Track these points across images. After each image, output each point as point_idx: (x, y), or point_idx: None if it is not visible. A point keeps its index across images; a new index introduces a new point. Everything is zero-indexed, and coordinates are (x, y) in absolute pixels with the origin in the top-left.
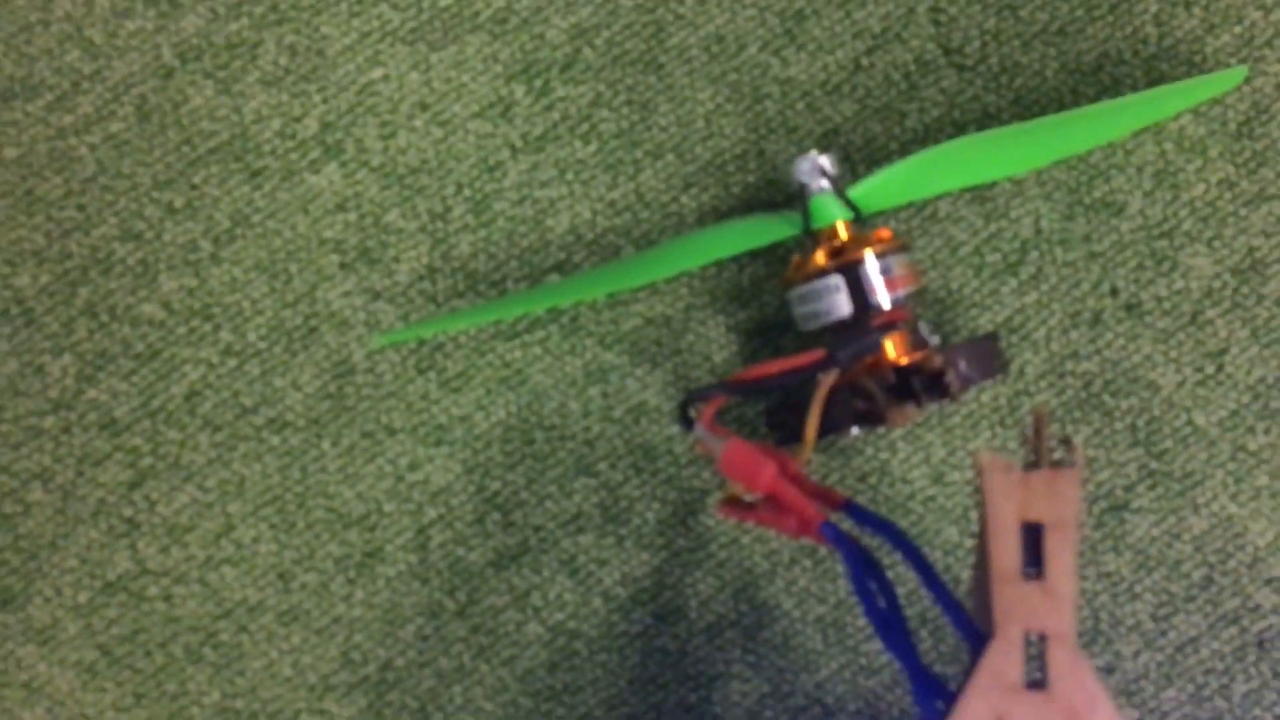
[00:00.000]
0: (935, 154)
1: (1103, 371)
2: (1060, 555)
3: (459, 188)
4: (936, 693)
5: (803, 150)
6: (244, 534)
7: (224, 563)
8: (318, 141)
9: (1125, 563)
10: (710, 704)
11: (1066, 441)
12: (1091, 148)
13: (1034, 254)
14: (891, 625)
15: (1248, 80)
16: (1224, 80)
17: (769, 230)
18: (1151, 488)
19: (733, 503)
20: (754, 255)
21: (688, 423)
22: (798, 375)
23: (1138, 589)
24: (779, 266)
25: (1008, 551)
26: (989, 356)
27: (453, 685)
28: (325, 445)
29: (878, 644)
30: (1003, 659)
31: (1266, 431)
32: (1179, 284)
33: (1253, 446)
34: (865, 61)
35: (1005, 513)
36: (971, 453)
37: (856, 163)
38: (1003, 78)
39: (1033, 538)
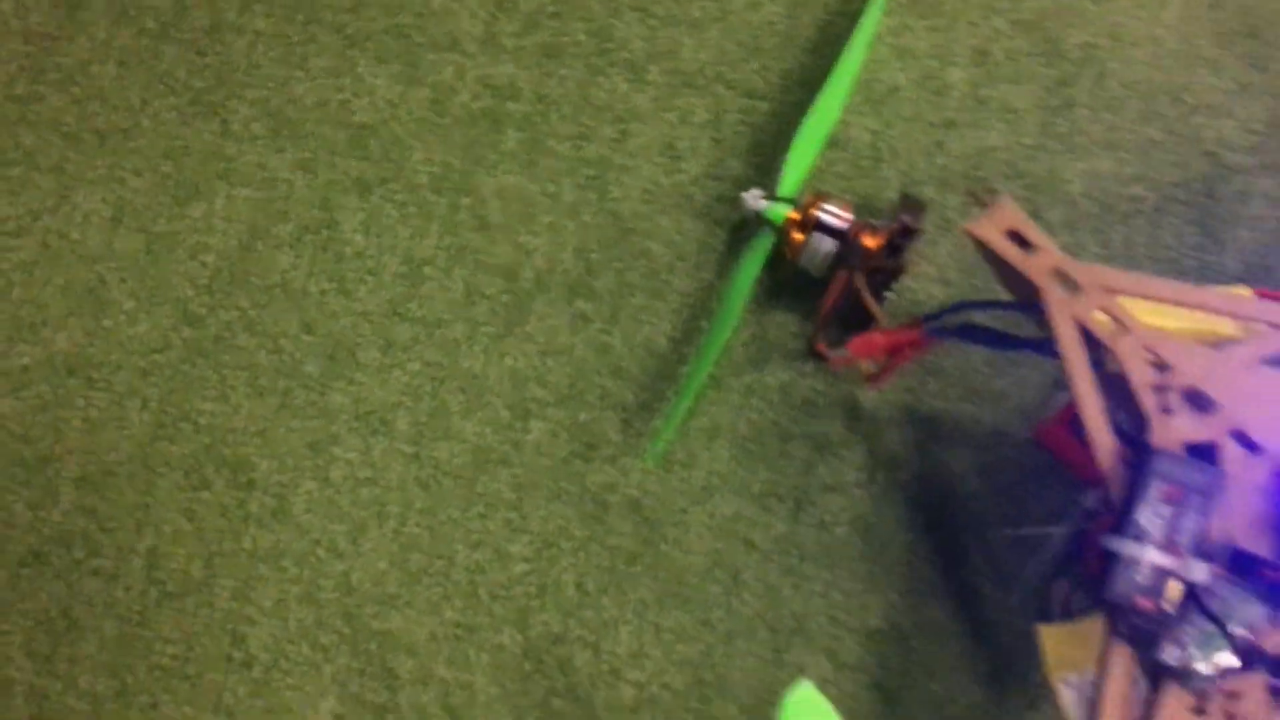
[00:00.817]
0: (802, 132)
1: None
2: None
3: None
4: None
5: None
6: None
7: None
8: None
9: None
10: None
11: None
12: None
13: None
14: (1021, 343)
15: None
16: None
17: (764, 244)
18: None
19: (878, 377)
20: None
21: (819, 356)
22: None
23: None
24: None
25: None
26: (916, 206)
27: None
28: None
29: None
30: None
31: None
32: None
33: None
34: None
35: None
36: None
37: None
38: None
39: None
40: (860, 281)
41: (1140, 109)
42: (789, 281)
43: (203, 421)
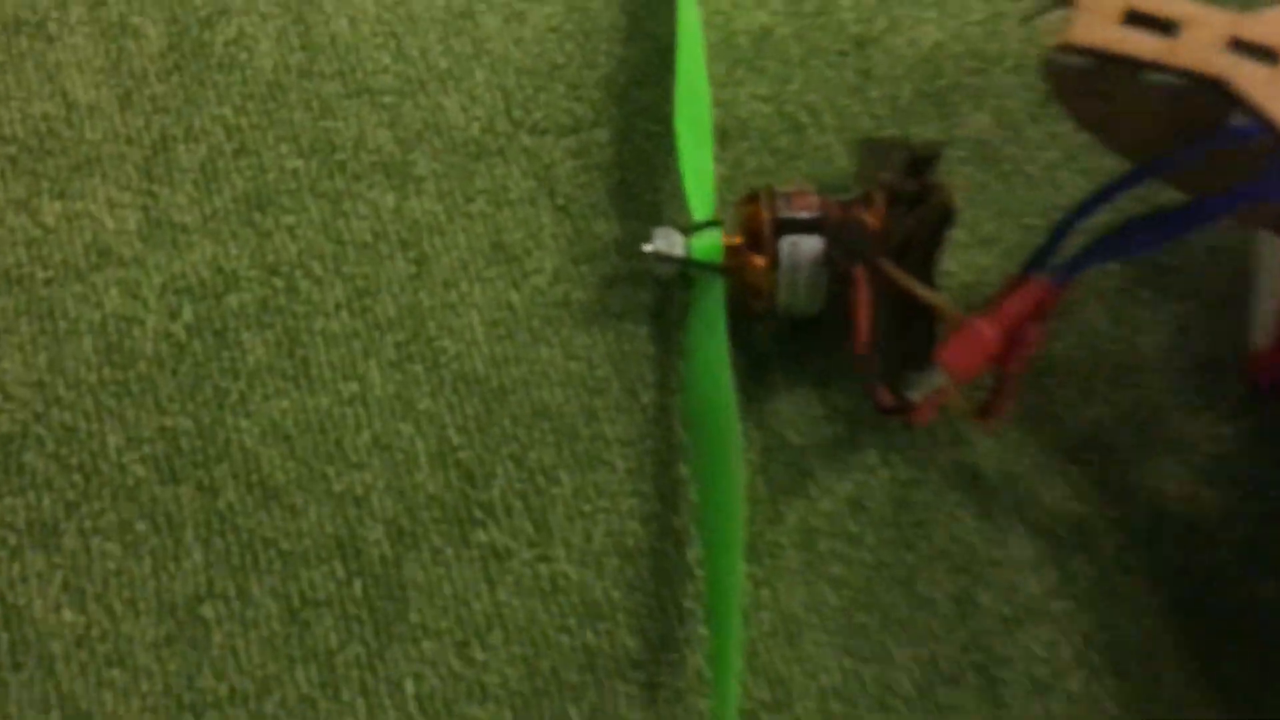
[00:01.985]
0: (681, 134)
1: None
2: None
3: None
4: None
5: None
6: None
7: None
8: None
9: None
10: None
11: None
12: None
13: None
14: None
15: None
16: None
17: (715, 300)
18: None
19: (996, 402)
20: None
21: (890, 411)
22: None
23: None
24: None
25: None
26: (923, 152)
27: None
28: None
29: None
30: None
31: None
32: None
33: None
34: None
35: None
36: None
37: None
38: None
39: None
40: (888, 267)
41: None
42: (773, 343)
43: None
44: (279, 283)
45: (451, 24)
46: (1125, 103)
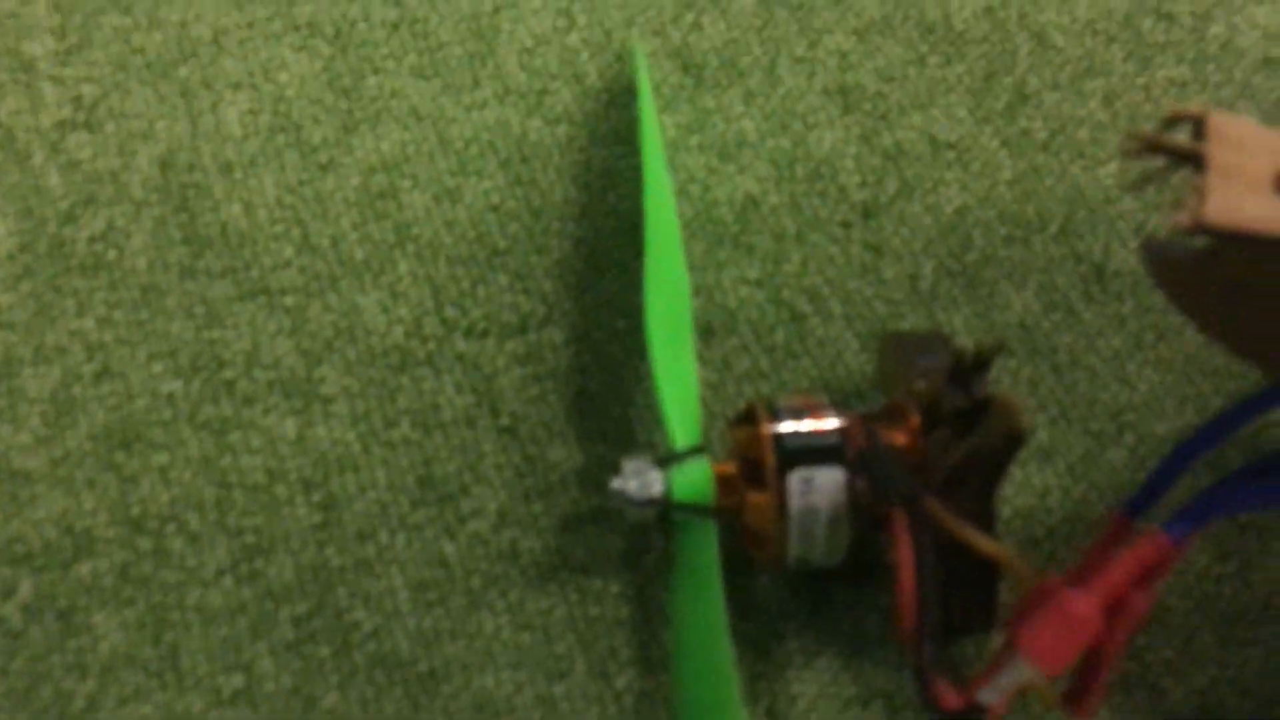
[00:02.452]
0: (653, 336)
1: None
2: None
3: None
4: None
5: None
6: None
7: None
8: None
9: None
10: None
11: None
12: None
13: None
14: None
15: None
16: None
17: (706, 551)
18: None
19: (1090, 687)
20: None
21: (951, 713)
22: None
23: None
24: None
25: None
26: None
27: None
28: None
29: None
30: None
31: None
32: None
33: None
34: None
35: None
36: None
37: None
38: None
39: None
40: (938, 510)
41: (1126, 46)
42: (785, 601)
43: None
44: (145, 543)
45: (369, 206)
46: (1265, 294)
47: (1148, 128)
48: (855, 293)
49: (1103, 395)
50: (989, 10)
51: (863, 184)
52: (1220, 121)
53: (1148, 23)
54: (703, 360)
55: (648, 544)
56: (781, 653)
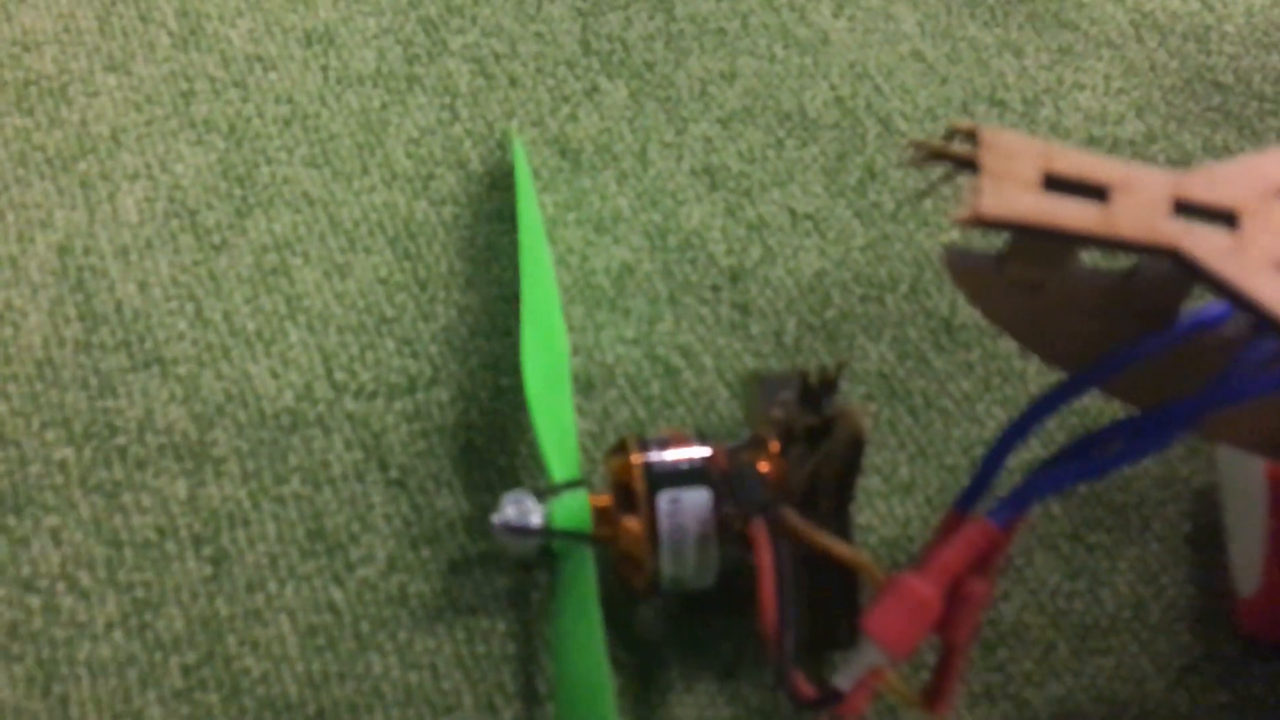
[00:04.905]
0: (531, 385)
1: None
2: None
3: None
4: None
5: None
6: None
7: None
8: None
9: None
10: None
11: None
12: None
13: None
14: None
15: None
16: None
17: (585, 579)
18: None
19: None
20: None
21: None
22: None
23: None
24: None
25: None
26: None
27: None
28: None
29: None
30: None
31: None
32: None
33: None
34: None
35: None
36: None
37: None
38: None
39: None
40: (793, 518)
41: None
42: (663, 627)
43: None
44: (34, 601)
45: (261, 282)
46: (1056, 294)
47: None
48: (725, 348)
49: (955, 432)
50: (839, 100)
51: (729, 251)
52: (991, 133)
53: (982, 108)
54: (584, 412)
55: (533, 582)
56: (663, 679)
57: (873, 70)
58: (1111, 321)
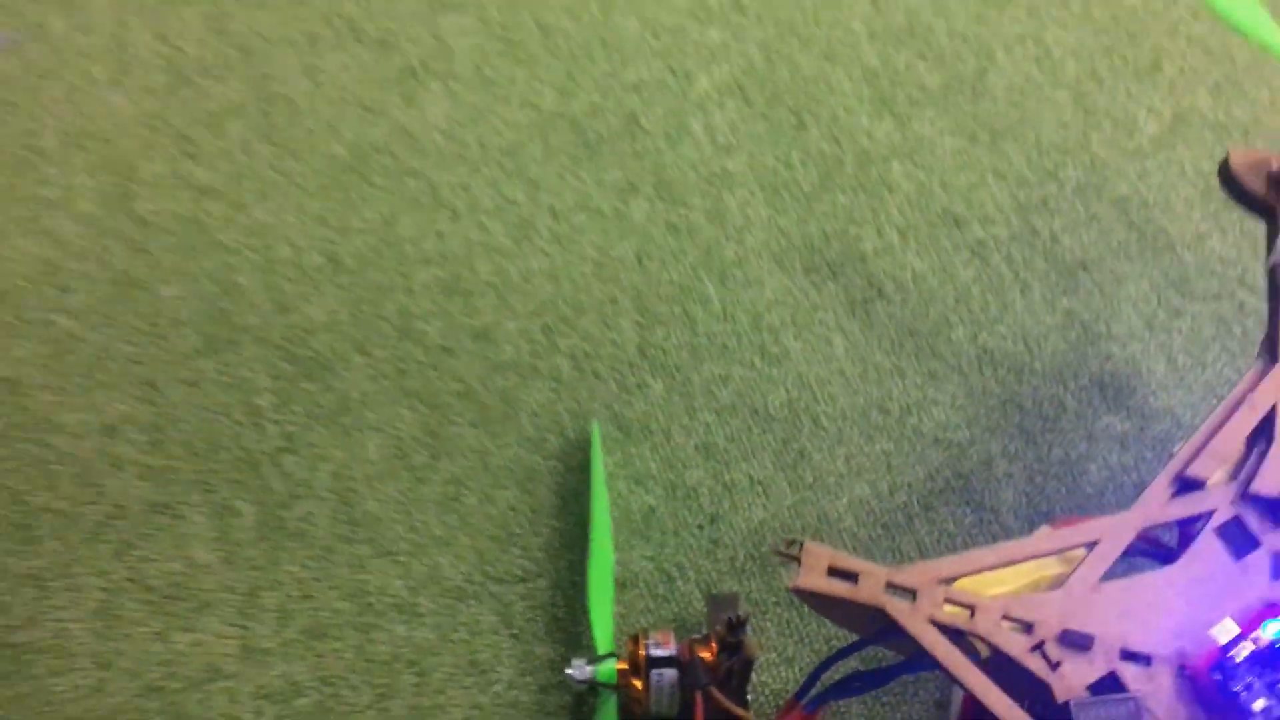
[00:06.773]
0: (591, 589)
1: None
2: None
3: None
4: None
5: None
6: None
7: None
8: None
9: None
10: None
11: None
12: None
13: None
14: (899, 669)
15: None
16: None
17: (610, 708)
18: None
19: None
20: None
21: None
22: None
23: None
24: None
25: None
26: (726, 600)
27: None
28: None
29: None
30: None
31: None
32: None
33: None
34: None
35: None
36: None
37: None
38: None
39: None
40: (716, 694)
41: (861, 430)
42: None
43: None
44: (328, 690)
45: (445, 504)
46: (846, 610)
47: (777, 546)
48: (702, 568)
49: (824, 631)
50: (790, 401)
51: (712, 502)
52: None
53: (875, 414)
54: (618, 602)
55: (584, 702)
56: None
57: (812, 381)
58: (872, 623)
